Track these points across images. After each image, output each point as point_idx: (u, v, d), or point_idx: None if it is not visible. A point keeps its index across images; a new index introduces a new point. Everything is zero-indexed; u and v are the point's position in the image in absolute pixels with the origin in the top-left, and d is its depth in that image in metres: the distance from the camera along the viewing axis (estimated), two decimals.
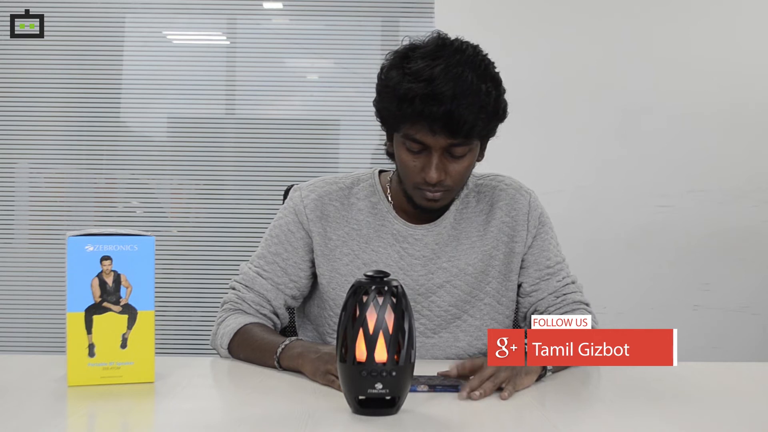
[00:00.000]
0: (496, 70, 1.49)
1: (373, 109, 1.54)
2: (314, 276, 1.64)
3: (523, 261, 1.63)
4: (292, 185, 1.69)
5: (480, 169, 1.66)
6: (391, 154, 1.58)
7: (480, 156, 1.56)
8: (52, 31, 3.41)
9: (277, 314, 1.62)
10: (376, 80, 1.52)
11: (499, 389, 1.25)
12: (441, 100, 1.39)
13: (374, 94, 1.53)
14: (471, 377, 1.26)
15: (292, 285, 1.62)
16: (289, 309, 1.68)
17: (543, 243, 1.63)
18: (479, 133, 1.45)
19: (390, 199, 1.63)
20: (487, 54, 1.50)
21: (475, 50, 1.48)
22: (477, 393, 1.22)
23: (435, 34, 1.48)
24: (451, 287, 1.60)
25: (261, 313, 1.59)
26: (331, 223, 1.61)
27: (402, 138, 1.48)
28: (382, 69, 1.50)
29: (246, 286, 1.61)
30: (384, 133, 1.57)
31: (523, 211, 1.62)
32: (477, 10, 3.23)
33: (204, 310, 3.43)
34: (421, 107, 1.40)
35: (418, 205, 1.54)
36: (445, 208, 1.61)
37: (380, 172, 1.67)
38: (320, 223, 1.61)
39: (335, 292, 1.60)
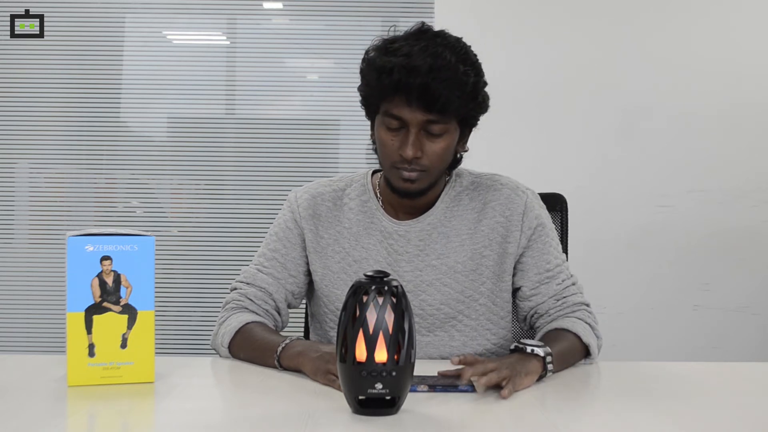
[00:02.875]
0: (478, 61, 1.51)
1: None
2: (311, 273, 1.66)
3: (522, 264, 1.62)
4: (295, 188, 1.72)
5: (480, 169, 1.65)
6: (375, 149, 1.59)
7: (462, 146, 1.57)
8: (52, 31, 3.41)
9: (279, 311, 1.63)
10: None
11: (500, 387, 1.25)
12: (418, 71, 1.42)
13: None
14: (474, 366, 1.26)
15: (291, 280, 1.64)
16: (290, 307, 1.68)
17: (542, 245, 1.62)
18: (455, 112, 1.47)
19: (379, 195, 1.64)
20: (470, 46, 1.52)
21: (458, 40, 1.51)
22: (483, 380, 1.23)
23: (420, 24, 1.52)
24: (441, 285, 1.60)
25: (264, 309, 1.61)
26: (322, 222, 1.64)
27: (381, 116, 1.51)
28: (366, 53, 1.53)
29: (247, 283, 1.63)
30: None
31: (518, 211, 1.61)
32: (477, 10, 3.23)
33: (204, 310, 3.43)
34: (398, 77, 1.44)
35: (395, 187, 1.55)
36: (428, 202, 1.61)
37: (374, 172, 1.69)
38: (312, 221, 1.64)
39: (328, 289, 1.62)
